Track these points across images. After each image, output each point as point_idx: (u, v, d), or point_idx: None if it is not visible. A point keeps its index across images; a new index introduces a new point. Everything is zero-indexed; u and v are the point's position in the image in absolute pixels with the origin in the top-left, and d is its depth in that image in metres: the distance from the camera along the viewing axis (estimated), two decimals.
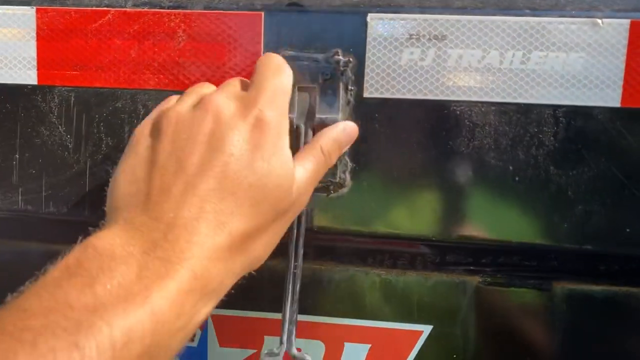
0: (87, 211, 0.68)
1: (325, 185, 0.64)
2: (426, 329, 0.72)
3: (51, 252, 0.76)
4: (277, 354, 0.60)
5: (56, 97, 0.67)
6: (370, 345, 0.73)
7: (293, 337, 0.60)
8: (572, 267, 0.67)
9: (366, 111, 0.62)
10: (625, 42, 0.58)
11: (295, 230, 0.59)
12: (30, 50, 0.66)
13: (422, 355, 0.72)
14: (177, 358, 0.76)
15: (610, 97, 0.59)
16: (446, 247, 0.66)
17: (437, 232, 0.64)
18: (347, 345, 0.73)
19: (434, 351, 0.72)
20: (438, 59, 0.60)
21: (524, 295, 0.69)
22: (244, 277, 0.56)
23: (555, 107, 0.60)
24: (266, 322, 0.74)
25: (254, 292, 0.73)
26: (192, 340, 0.76)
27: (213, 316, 0.75)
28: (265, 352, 0.60)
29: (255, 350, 0.75)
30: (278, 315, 0.65)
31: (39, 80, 0.67)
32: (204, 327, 0.75)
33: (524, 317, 0.70)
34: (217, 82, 0.64)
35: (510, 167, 0.61)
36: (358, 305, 0.72)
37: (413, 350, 0.72)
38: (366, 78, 0.61)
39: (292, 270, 0.60)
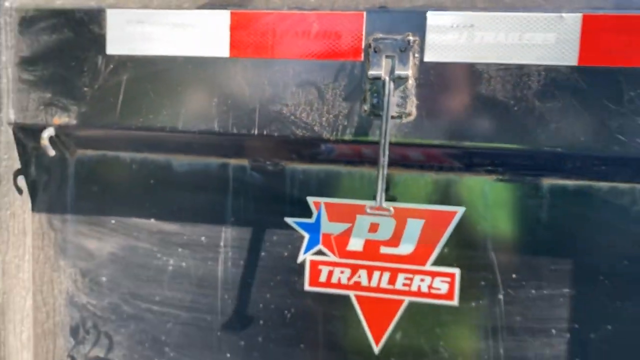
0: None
1: (400, 114, 1.07)
2: (460, 210, 1.14)
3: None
4: (376, 205, 1.05)
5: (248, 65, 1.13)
6: (424, 221, 1.16)
7: (383, 198, 1.04)
8: (551, 166, 1.08)
9: (426, 69, 1.06)
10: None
11: (384, 134, 1.03)
12: (224, 43, 1.12)
13: (460, 226, 1.14)
14: (300, 228, 1.21)
15: (568, 57, 1.01)
16: (473, 152, 1.09)
17: (469, 141, 1.06)
18: (409, 220, 1.17)
19: (467, 225, 1.15)
20: (469, 38, 1.03)
21: (524, 188, 1.11)
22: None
23: (536, 66, 1.02)
24: (358, 207, 1.18)
25: (351, 184, 1.17)
26: (311, 217, 1.20)
27: (325, 203, 1.19)
28: (368, 207, 1.05)
29: (350, 224, 1.19)
30: (365, 202, 1.10)
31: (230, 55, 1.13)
32: (319, 208, 1.20)
33: (525, 206, 1.12)
34: (331, 54, 1.09)
35: (512, 102, 1.04)
36: (417, 195, 1.16)
37: (452, 222, 1.15)
38: (426, 49, 1.05)
39: (382, 163, 1.03)
